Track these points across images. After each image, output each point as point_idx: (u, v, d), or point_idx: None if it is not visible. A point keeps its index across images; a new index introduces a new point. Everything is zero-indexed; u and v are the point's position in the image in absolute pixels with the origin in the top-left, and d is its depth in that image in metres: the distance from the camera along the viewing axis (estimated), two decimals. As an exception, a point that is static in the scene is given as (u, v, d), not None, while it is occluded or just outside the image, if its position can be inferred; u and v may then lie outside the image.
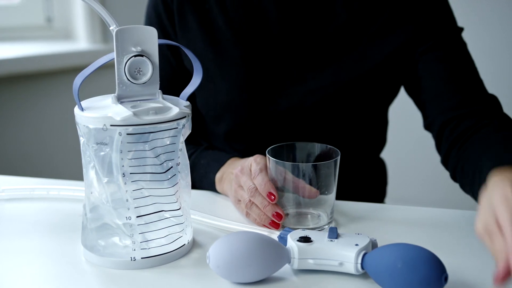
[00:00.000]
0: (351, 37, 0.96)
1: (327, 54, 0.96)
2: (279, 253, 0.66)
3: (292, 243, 0.67)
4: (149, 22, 1.02)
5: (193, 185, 0.86)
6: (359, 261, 0.65)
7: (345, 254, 0.66)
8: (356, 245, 0.66)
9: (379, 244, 0.70)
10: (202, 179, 0.94)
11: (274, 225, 0.78)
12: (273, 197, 0.77)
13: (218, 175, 0.91)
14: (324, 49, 0.96)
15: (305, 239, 0.67)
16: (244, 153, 0.94)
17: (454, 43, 0.97)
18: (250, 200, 0.79)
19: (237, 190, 0.83)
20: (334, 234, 0.69)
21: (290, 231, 0.71)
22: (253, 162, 0.82)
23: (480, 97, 0.94)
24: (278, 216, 0.77)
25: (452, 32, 0.97)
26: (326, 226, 0.79)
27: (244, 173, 0.82)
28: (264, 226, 0.78)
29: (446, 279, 0.61)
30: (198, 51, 0.97)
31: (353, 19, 0.96)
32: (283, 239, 0.70)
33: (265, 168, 0.80)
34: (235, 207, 0.86)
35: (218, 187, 0.91)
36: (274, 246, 0.66)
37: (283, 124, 0.98)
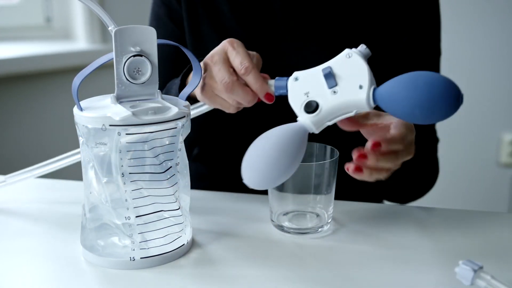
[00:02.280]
0: (355, 28, 0.96)
1: (331, 44, 0.96)
2: (301, 138, 0.66)
3: (303, 118, 0.67)
4: (156, 5, 1.01)
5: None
6: (371, 101, 0.65)
7: (355, 100, 0.65)
8: (361, 87, 0.65)
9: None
10: (170, 88, 0.85)
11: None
12: (271, 97, 0.72)
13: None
14: (328, 39, 0.96)
15: (311, 108, 0.67)
16: (241, 144, 0.91)
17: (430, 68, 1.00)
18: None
19: (208, 82, 0.73)
20: (332, 81, 0.67)
21: (285, 79, 0.70)
22: (230, 47, 0.72)
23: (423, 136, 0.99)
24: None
25: (433, 56, 1.00)
26: (325, 226, 0.79)
27: (216, 62, 0.71)
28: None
29: (461, 98, 0.60)
30: (203, 35, 0.98)
31: (357, 10, 0.96)
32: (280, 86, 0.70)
33: (250, 59, 0.71)
34: (197, 94, 0.76)
35: (187, 80, 0.81)
36: (294, 133, 0.66)
37: (284, 117, 0.98)
